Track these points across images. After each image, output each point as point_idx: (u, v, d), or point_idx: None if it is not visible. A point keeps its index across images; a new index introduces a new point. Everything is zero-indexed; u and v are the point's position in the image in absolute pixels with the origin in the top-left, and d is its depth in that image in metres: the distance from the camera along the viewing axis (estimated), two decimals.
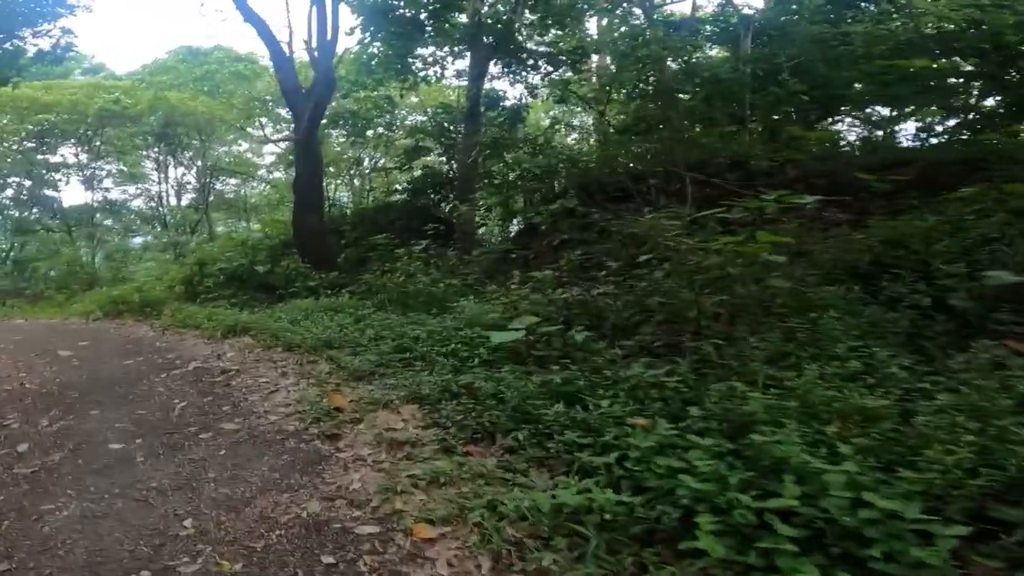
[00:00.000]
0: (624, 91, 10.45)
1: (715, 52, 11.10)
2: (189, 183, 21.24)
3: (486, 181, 11.68)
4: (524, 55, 11.34)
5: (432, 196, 12.32)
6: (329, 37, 9.53)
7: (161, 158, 20.32)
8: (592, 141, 10.51)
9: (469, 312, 4.30)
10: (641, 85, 10.03)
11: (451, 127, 12.84)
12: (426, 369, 3.72)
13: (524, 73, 11.70)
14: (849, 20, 8.28)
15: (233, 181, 22.81)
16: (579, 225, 6.48)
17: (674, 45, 9.21)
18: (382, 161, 20.56)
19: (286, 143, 19.80)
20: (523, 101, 12.69)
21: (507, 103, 13.26)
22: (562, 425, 2.58)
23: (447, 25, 12.10)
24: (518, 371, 3.15)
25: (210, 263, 9.16)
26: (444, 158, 13.60)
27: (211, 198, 20.45)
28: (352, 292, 8.02)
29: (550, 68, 11.22)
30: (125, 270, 15.01)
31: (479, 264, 6.85)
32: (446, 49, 13.23)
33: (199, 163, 20.44)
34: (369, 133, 14.01)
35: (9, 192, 20.95)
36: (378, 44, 12.47)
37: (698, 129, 9.07)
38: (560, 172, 8.91)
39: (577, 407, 2.66)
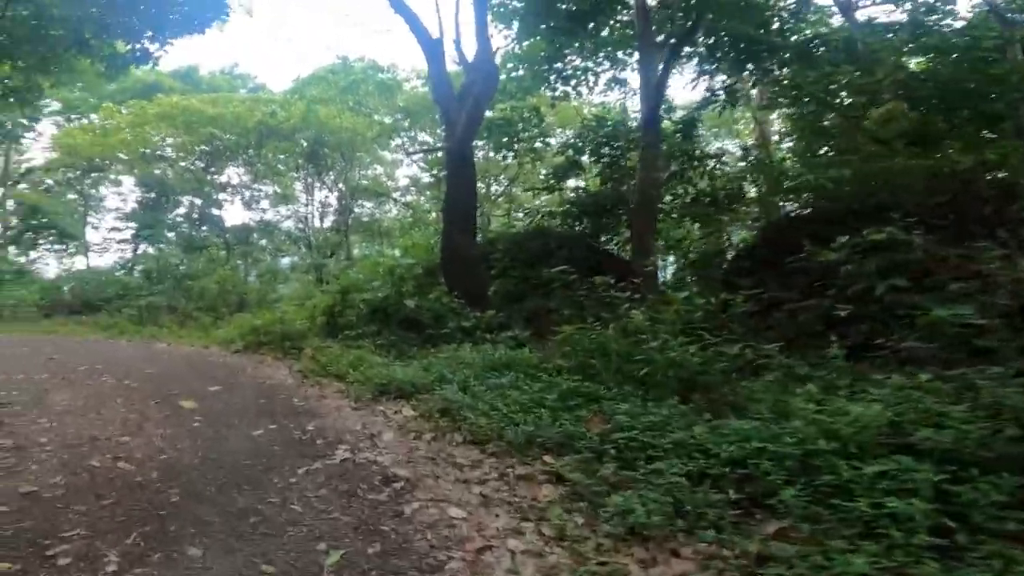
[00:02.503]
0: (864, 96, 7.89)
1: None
2: (331, 205, 21.71)
3: (662, 205, 9.65)
4: (720, 51, 9.17)
5: (596, 221, 10.46)
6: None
7: (309, 180, 20.98)
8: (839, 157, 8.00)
9: (844, 421, 2.22)
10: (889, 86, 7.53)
11: (608, 142, 11.06)
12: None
13: (727, 74, 9.54)
14: None
15: (368, 204, 23.05)
16: (893, 264, 4.16)
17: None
18: (506, 184, 19.35)
19: (426, 156, 19.36)
20: (704, 108, 10.55)
21: (676, 114, 11.33)
22: None
23: (613, 21, 10.41)
24: None
25: (354, 292, 8.03)
26: (599, 178, 11.82)
27: (350, 221, 20.61)
28: (516, 339, 6.37)
29: (764, 66, 8.94)
30: (272, 292, 14.96)
31: (725, 318, 4.65)
32: (601, 55, 11.59)
33: (341, 185, 20.78)
34: (516, 146, 12.64)
35: (181, 210, 22.86)
36: (527, 44, 10.98)
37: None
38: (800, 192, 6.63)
39: None
